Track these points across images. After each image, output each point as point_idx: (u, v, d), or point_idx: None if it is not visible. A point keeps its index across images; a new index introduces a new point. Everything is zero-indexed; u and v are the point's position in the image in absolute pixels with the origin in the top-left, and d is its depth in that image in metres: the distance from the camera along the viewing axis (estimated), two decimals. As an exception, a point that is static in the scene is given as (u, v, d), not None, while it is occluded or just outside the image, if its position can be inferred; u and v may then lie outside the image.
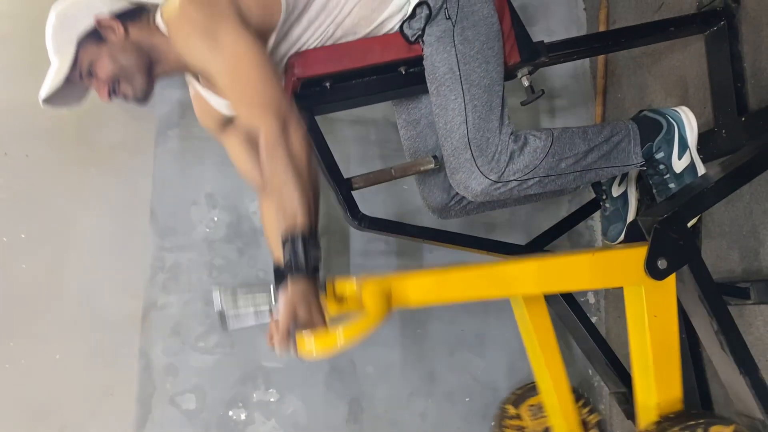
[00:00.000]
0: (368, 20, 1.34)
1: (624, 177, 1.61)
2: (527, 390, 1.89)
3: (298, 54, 1.33)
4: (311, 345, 1.03)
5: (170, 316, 1.99)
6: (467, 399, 2.13)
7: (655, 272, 1.18)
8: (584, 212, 1.95)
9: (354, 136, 2.18)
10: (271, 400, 2.01)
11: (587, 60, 2.36)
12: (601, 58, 2.27)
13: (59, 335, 1.90)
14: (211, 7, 1.20)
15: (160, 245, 2.01)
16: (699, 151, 1.49)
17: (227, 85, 1.21)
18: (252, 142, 1.41)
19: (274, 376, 2.02)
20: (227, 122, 1.50)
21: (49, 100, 1.32)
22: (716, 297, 1.25)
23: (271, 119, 1.13)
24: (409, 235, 1.46)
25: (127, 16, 1.32)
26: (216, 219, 2.06)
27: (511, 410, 1.88)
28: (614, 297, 2.26)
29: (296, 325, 1.06)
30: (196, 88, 1.48)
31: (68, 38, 1.28)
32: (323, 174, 1.37)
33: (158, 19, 1.32)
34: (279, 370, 2.03)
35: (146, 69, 1.32)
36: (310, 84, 1.36)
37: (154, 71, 1.34)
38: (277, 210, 1.12)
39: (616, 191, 1.61)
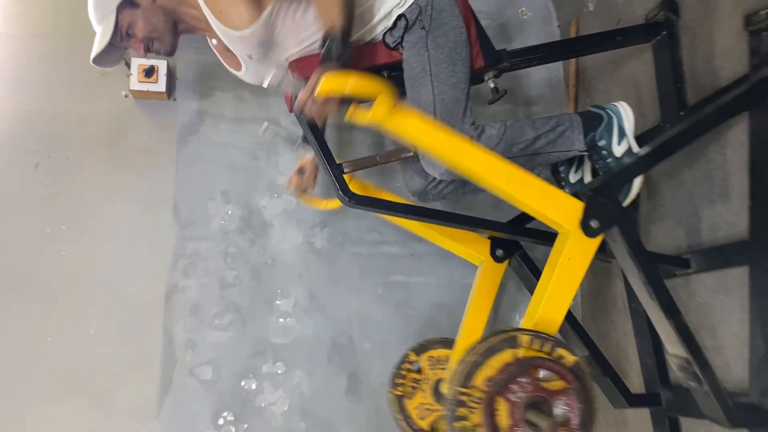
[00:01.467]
0: (355, 31, 1.62)
1: (580, 165, 1.88)
2: (431, 343, 2.14)
3: (297, 60, 1.63)
4: (324, 82, 1.34)
5: (190, 297, 2.26)
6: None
7: (588, 230, 1.44)
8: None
9: (348, 129, 2.43)
10: (279, 372, 2.26)
11: (561, 70, 2.65)
12: (572, 68, 2.56)
13: (93, 313, 2.18)
14: None
15: (181, 236, 2.29)
16: (645, 141, 1.75)
17: None
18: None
19: (282, 351, 2.28)
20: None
21: (97, 60, 1.65)
22: (643, 254, 1.50)
23: None
24: (394, 211, 1.72)
25: None
26: (230, 213, 2.34)
27: (413, 356, 2.11)
28: (590, 297, 2.50)
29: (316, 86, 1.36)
30: (212, 39, 1.77)
31: (108, 7, 1.60)
32: (319, 160, 1.65)
33: None
34: (286, 346, 2.28)
35: (172, 27, 1.65)
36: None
37: (178, 29, 1.67)
38: (320, 16, 1.48)
39: (573, 178, 1.87)
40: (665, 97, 1.99)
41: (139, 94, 2.32)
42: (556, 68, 2.64)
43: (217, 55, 1.80)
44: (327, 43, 1.43)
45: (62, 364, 2.13)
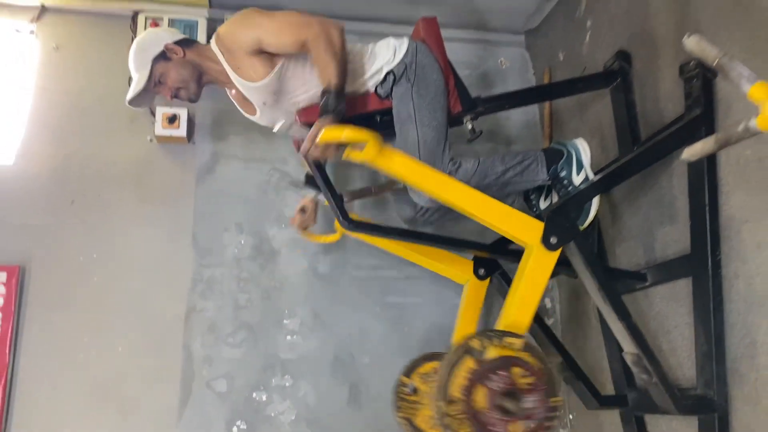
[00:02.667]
0: (351, 84, 1.92)
1: (548, 193, 2.16)
2: (417, 361, 2.28)
3: (304, 108, 1.94)
4: (324, 133, 1.60)
5: (207, 317, 2.52)
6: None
7: (548, 244, 1.71)
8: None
9: (346, 165, 2.67)
10: (287, 384, 2.50)
11: (537, 111, 2.97)
12: (546, 110, 2.88)
13: (121, 332, 2.44)
14: (250, 12, 1.86)
15: (199, 262, 2.57)
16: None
17: (279, 31, 1.81)
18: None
19: (289, 366, 2.52)
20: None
21: (131, 102, 1.95)
22: (596, 264, 1.78)
23: (312, 27, 1.77)
24: (388, 234, 2.01)
25: (184, 43, 1.96)
26: (242, 242, 2.62)
27: (404, 379, 2.25)
28: (567, 304, 2.77)
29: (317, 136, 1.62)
30: (230, 91, 2.06)
31: (145, 59, 1.91)
32: (323, 190, 1.94)
33: (212, 44, 1.93)
34: (293, 361, 2.53)
35: (198, 79, 1.95)
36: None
37: (202, 80, 1.97)
38: (319, 74, 1.76)
39: (542, 204, 2.16)
40: (622, 133, 2.30)
41: (162, 139, 2.62)
42: (532, 110, 2.96)
43: (235, 103, 2.11)
44: (325, 98, 1.73)
45: (93, 377, 2.38)
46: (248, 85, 1.90)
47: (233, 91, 2.06)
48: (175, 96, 1.97)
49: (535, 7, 2.91)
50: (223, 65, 1.92)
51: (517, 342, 1.54)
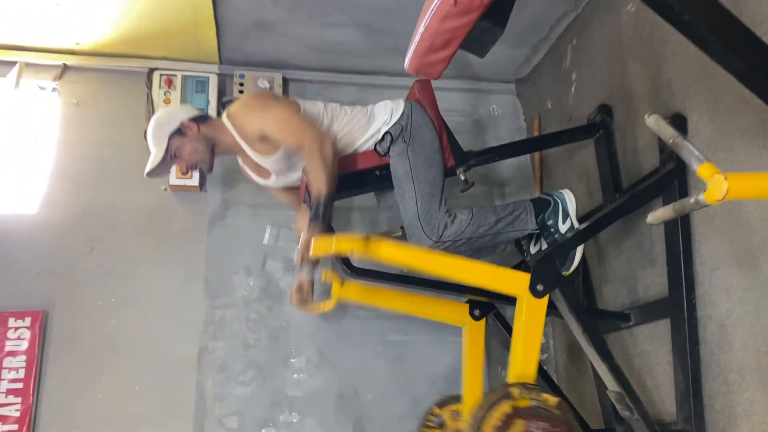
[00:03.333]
0: (353, 143, 2.11)
1: (538, 239, 2.32)
2: (450, 398, 2.47)
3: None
4: (314, 246, 1.75)
5: (218, 357, 2.66)
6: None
7: (536, 292, 1.86)
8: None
9: (352, 215, 2.92)
10: (294, 420, 2.64)
11: (528, 157, 3.14)
12: (537, 157, 3.05)
13: (137, 372, 2.58)
14: (261, 96, 2.06)
15: (210, 304, 2.72)
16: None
17: (279, 129, 1.99)
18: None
19: (296, 403, 2.66)
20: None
21: (150, 174, 2.09)
22: (580, 308, 1.92)
23: (310, 138, 1.93)
24: (386, 280, 2.16)
25: (198, 119, 2.12)
26: (251, 284, 2.78)
27: (436, 410, 2.44)
28: (561, 339, 2.91)
29: (309, 247, 1.78)
30: (242, 158, 2.22)
31: (162, 135, 2.07)
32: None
33: (224, 118, 2.10)
34: (299, 398, 2.67)
35: (211, 151, 2.11)
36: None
37: (215, 152, 2.13)
38: (309, 186, 1.93)
39: (533, 249, 2.32)
40: (605, 180, 2.46)
41: (176, 188, 2.80)
42: (524, 157, 3.14)
43: (246, 169, 2.24)
44: (315, 207, 1.90)
45: (112, 415, 2.51)
46: (262, 158, 2.08)
47: (246, 158, 2.20)
48: (191, 168, 2.14)
49: (524, 58, 3.10)
50: (236, 139, 2.08)
51: (552, 400, 1.71)
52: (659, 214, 1.39)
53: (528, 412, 1.69)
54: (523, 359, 1.84)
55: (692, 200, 1.26)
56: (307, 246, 1.83)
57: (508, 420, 1.67)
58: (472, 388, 2.34)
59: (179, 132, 2.08)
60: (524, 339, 1.85)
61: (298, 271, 2.20)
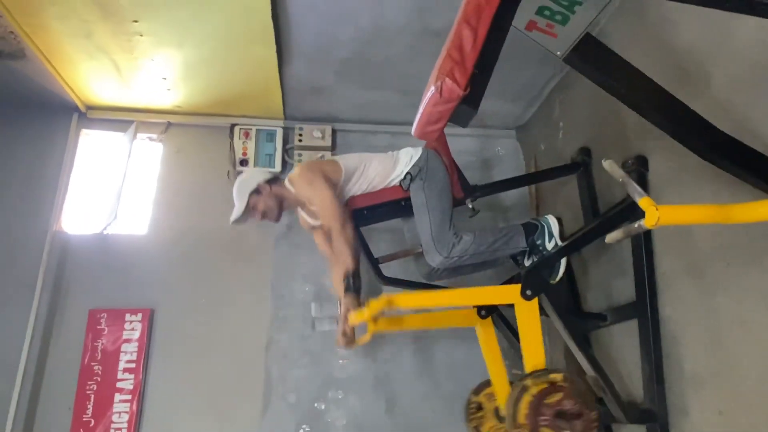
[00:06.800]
0: (383, 181, 2.26)
1: (531, 255, 2.40)
2: (482, 384, 2.47)
3: (351, 197, 2.26)
4: (353, 317, 1.87)
5: (281, 347, 2.81)
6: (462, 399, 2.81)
7: (526, 297, 1.96)
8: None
9: (383, 236, 3.01)
10: (340, 397, 2.76)
11: (527, 189, 3.22)
12: (532, 189, 3.13)
13: (219, 357, 2.74)
14: (312, 173, 2.15)
15: (275, 305, 2.88)
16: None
17: (316, 204, 2.14)
18: (326, 235, 2.29)
19: (341, 383, 2.78)
20: (315, 227, 2.39)
21: (234, 222, 2.26)
22: (563, 311, 2.01)
23: (337, 222, 2.05)
24: (413, 287, 2.29)
25: (271, 181, 2.29)
26: (307, 289, 2.92)
27: (473, 398, 2.45)
28: (556, 339, 2.95)
29: (347, 316, 1.90)
30: (300, 213, 2.39)
31: (244, 192, 2.23)
32: (364, 255, 2.24)
33: (286, 182, 2.28)
34: (344, 379, 2.79)
35: (280, 206, 2.26)
36: (356, 212, 2.27)
37: (283, 206, 2.28)
38: (338, 262, 2.03)
39: (527, 263, 2.40)
40: (586, 208, 2.53)
41: (250, 215, 2.99)
42: (524, 188, 3.21)
43: (306, 217, 2.36)
44: (347, 280, 2.00)
45: (201, 390, 2.69)
46: (310, 217, 2.28)
47: (300, 215, 2.37)
48: (263, 217, 2.25)
49: (522, 111, 3.21)
50: (295, 197, 2.25)
51: (558, 376, 1.80)
52: (614, 235, 1.48)
53: (546, 393, 1.76)
54: (532, 354, 1.91)
55: (636, 225, 1.35)
56: (345, 318, 1.93)
57: (535, 407, 1.75)
58: (497, 371, 2.35)
59: (257, 191, 2.22)
60: (528, 336, 1.93)
61: (340, 329, 2.18)
